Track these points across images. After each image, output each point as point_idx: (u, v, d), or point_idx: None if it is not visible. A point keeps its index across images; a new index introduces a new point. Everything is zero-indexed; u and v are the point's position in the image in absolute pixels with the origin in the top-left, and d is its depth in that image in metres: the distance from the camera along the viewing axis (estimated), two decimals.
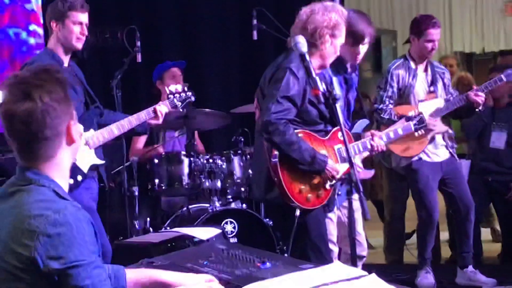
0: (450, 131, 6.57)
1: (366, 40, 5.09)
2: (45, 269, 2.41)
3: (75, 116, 2.62)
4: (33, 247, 2.41)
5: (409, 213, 7.44)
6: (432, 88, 6.40)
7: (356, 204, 4.43)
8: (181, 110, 5.72)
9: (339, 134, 4.66)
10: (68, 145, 2.60)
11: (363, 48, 5.10)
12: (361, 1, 15.20)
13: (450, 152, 6.51)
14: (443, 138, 6.47)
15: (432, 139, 6.36)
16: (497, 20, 15.41)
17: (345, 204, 4.60)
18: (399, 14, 15.29)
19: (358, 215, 4.63)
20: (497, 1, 15.31)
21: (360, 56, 5.13)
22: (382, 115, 6.25)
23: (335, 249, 5.22)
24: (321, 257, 4.58)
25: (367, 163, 5.92)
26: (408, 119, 5.33)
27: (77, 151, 2.68)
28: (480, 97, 6.30)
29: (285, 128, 4.47)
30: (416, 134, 5.46)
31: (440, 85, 6.44)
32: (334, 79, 5.03)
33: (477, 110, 6.44)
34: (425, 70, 6.46)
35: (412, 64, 6.41)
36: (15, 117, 2.50)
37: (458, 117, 7.00)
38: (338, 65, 4.98)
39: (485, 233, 8.29)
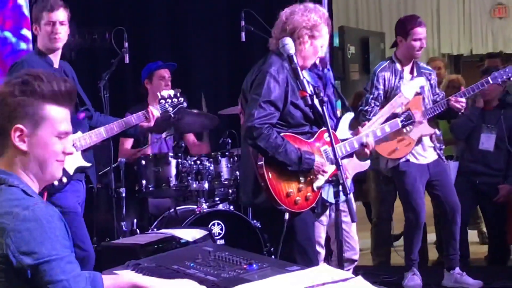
0: (438, 132, 6.58)
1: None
2: (18, 264, 2.40)
3: (41, 127, 2.60)
4: (4, 243, 2.41)
5: (396, 215, 7.45)
6: (418, 90, 6.39)
7: (345, 206, 4.43)
8: (172, 115, 5.72)
9: (325, 135, 4.67)
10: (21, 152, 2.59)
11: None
12: (349, 4, 15.25)
13: (437, 154, 6.51)
14: (431, 139, 6.47)
15: (419, 141, 6.36)
16: (485, 22, 15.46)
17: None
18: (387, 16, 15.32)
19: (348, 218, 4.63)
20: (485, 4, 15.36)
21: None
22: (367, 116, 6.25)
23: (322, 251, 5.22)
24: (308, 260, 4.56)
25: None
26: (395, 115, 5.33)
27: (46, 171, 2.64)
28: (460, 103, 6.29)
29: (269, 132, 4.46)
30: (404, 130, 5.46)
31: (427, 86, 6.44)
32: (308, 77, 4.99)
33: (459, 113, 6.46)
34: (411, 71, 6.46)
35: (398, 66, 6.41)
36: None
37: (444, 118, 7.00)
38: None
39: (472, 235, 8.30)
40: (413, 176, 6.39)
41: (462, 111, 6.40)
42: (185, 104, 5.71)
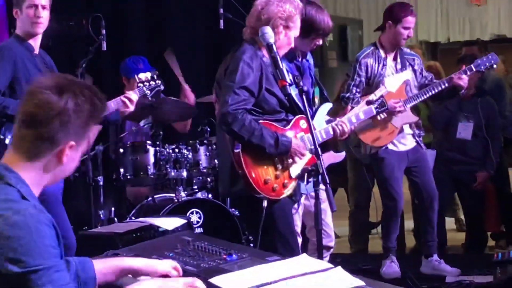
0: (419, 119, 6.59)
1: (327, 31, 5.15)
2: (4, 271, 2.35)
3: (82, 145, 2.58)
4: None
5: (373, 202, 7.47)
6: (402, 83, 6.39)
7: (324, 195, 4.42)
8: (150, 98, 5.69)
9: (301, 122, 4.68)
10: (58, 161, 2.55)
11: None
12: None
13: (416, 141, 6.52)
14: (410, 126, 6.48)
15: (402, 129, 6.37)
16: (462, 10, 15.52)
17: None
18: (365, 4, 15.34)
19: (325, 206, 4.62)
20: None
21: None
22: (349, 103, 6.26)
23: (298, 239, 5.22)
24: (289, 248, 4.58)
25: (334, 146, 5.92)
26: (369, 102, 5.34)
27: (59, 178, 2.65)
28: (463, 80, 6.27)
29: (244, 117, 4.46)
30: (378, 117, 5.48)
31: (410, 72, 6.42)
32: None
33: (460, 92, 6.46)
34: (395, 58, 6.46)
35: (382, 53, 6.41)
36: (36, 97, 2.49)
37: (439, 99, 6.94)
38: (288, 53, 4.96)
39: (449, 223, 8.35)
40: (391, 164, 6.40)
41: (464, 89, 6.37)
42: (162, 87, 5.68)
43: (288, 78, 3.96)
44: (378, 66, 6.36)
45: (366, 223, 7.79)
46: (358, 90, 6.29)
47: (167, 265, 2.88)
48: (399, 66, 6.44)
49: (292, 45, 4.75)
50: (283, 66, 4.06)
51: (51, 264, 2.40)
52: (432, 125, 7.57)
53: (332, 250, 5.59)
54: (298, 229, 5.20)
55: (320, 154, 3.77)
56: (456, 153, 7.32)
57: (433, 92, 6.29)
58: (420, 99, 6.33)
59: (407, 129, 6.46)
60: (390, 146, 6.40)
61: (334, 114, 5.26)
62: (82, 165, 6.41)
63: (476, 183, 7.31)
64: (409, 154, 6.49)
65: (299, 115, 4.67)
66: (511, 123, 7.30)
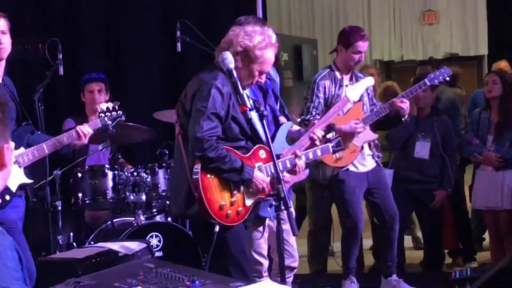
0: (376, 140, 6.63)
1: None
2: None
3: (9, 139, 2.55)
4: None
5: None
6: (363, 91, 6.44)
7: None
8: (111, 128, 5.64)
9: (260, 152, 4.68)
10: None
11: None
12: (282, 11, 15.35)
13: (376, 162, 6.57)
14: (369, 147, 6.53)
15: (362, 147, 6.41)
16: (415, 29, 15.72)
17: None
18: (320, 24, 15.50)
19: (288, 226, 4.62)
20: (415, 10, 15.62)
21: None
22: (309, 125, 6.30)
23: (265, 262, 5.21)
24: (242, 272, 4.56)
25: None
26: (327, 141, 5.36)
27: (8, 176, 2.60)
28: (405, 104, 6.31)
29: (218, 144, 4.46)
30: (333, 156, 5.52)
31: (365, 94, 6.48)
32: (248, 91, 5.01)
33: (402, 119, 6.47)
34: (351, 79, 6.50)
35: (338, 74, 6.44)
36: None
37: (383, 128, 7.02)
38: None
39: (406, 241, 8.38)
40: (352, 185, 6.41)
41: (407, 114, 6.42)
42: (123, 118, 5.65)
43: (249, 103, 3.98)
44: (335, 88, 6.39)
45: (325, 243, 7.81)
46: (317, 111, 6.32)
47: None
48: None
49: (256, 79, 4.67)
50: (244, 91, 4.06)
51: (12, 287, 2.38)
52: (389, 144, 7.61)
53: (295, 270, 5.60)
54: (264, 251, 5.20)
55: (282, 179, 3.79)
56: (413, 172, 7.36)
57: (379, 116, 6.35)
58: (374, 120, 6.38)
59: (366, 150, 6.49)
60: (351, 168, 6.42)
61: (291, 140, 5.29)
62: (39, 190, 6.37)
63: (434, 202, 7.36)
64: (369, 175, 6.52)
65: (259, 145, 4.67)
66: (466, 141, 7.37)
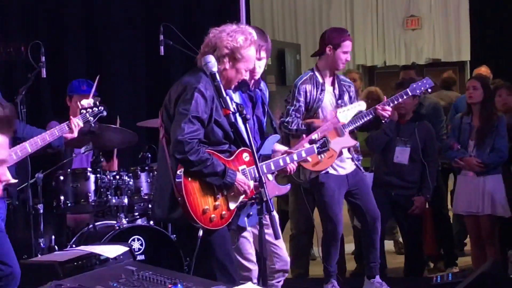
0: (357, 143, 6.67)
1: (263, 55, 5.16)
2: None
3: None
4: None
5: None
6: (340, 102, 6.48)
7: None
8: (93, 125, 5.68)
9: (244, 155, 4.70)
10: None
11: (259, 63, 5.13)
12: (265, 16, 15.38)
13: (355, 164, 6.60)
14: (349, 151, 6.55)
15: (341, 152, 6.44)
16: (398, 34, 15.75)
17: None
18: (303, 28, 15.51)
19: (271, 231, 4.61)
20: (398, 15, 15.65)
21: (259, 71, 5.18)
22: (289, 127, 6.32)
23: (253, 267, 5.17)
24: (227, 275, 4.57)
25: (283, 179, 5.98)
26: (312, 142, 5.38)
27: None
28: (387, 111, 6.40)
29: (199, 147, 4.46)
30: (319, 157, 5.54)
31: (346, 98, 6.52)
32: (237, 97, 5.03)
33: (383, 121, 6.58)
34: (332, 83, 6.53)
35: (320, 78, 6.48)
36: None
37: (365, 130, 7.08)
38: (241, 83, 4.93)
39: (388, 245, 8.42)
40: (332, 188, 6.45)
41: (387, 119, 6.51)
42: (105, 113, 5.67)
43: (232, 106, 3.98)
44: (317, 92, 6.42)
45: (307, 247, 7.82)
46: (298, 115, 6.36)
47: None
48: (337, 92, 6.51)
49: (243, 77, 4.71)
50: (227, 95, 4.06)
51: None
52: (369, 149, 7.64)
53: (287, 274, 5.55)
54: (252, 256, 5.18)
55: (264, 182, 3.79)
56: (393, 177, 7.38)
57: (361, 122, 6.42)
58: (354, 126, 6.43)
59: (346, 153, 6.52)
60: (330, 171, 6.45)
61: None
62: (21, 192, 6.36)
63: (413, 207, 7.38)
64: (349, 178, 6.55)
65: (242, 148, 4.68)
66: (447, 146, 7.40)
